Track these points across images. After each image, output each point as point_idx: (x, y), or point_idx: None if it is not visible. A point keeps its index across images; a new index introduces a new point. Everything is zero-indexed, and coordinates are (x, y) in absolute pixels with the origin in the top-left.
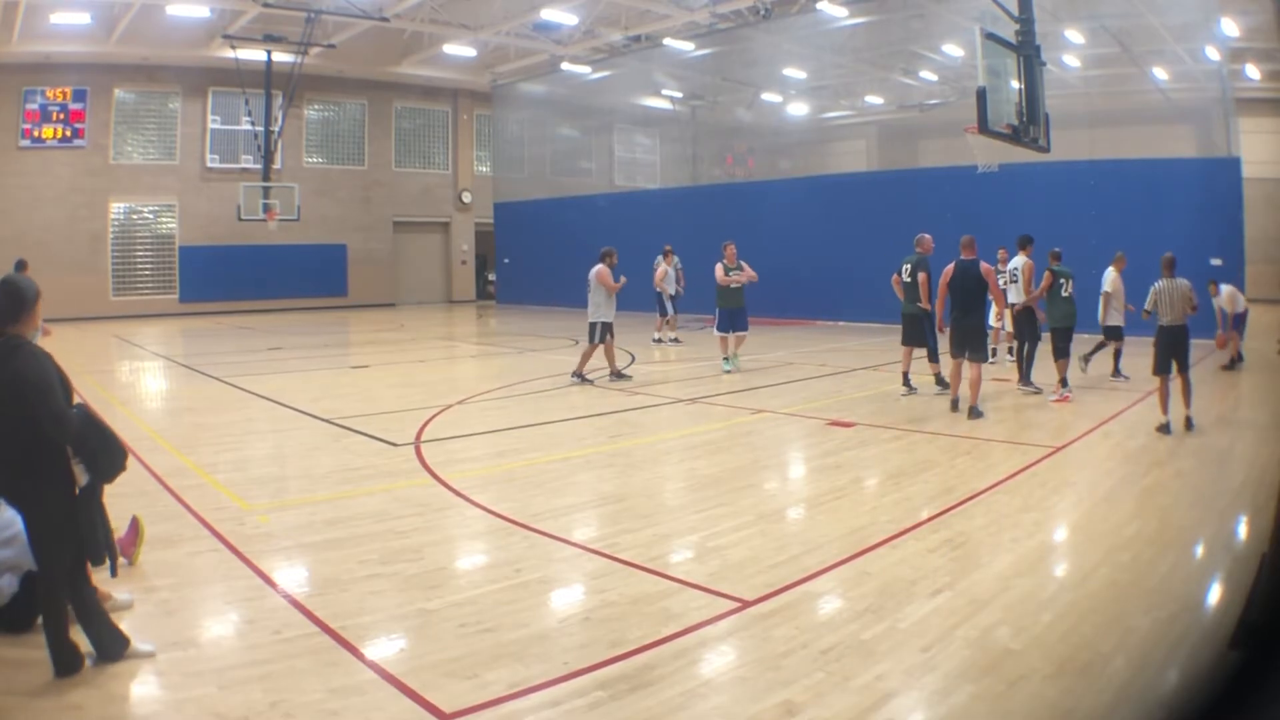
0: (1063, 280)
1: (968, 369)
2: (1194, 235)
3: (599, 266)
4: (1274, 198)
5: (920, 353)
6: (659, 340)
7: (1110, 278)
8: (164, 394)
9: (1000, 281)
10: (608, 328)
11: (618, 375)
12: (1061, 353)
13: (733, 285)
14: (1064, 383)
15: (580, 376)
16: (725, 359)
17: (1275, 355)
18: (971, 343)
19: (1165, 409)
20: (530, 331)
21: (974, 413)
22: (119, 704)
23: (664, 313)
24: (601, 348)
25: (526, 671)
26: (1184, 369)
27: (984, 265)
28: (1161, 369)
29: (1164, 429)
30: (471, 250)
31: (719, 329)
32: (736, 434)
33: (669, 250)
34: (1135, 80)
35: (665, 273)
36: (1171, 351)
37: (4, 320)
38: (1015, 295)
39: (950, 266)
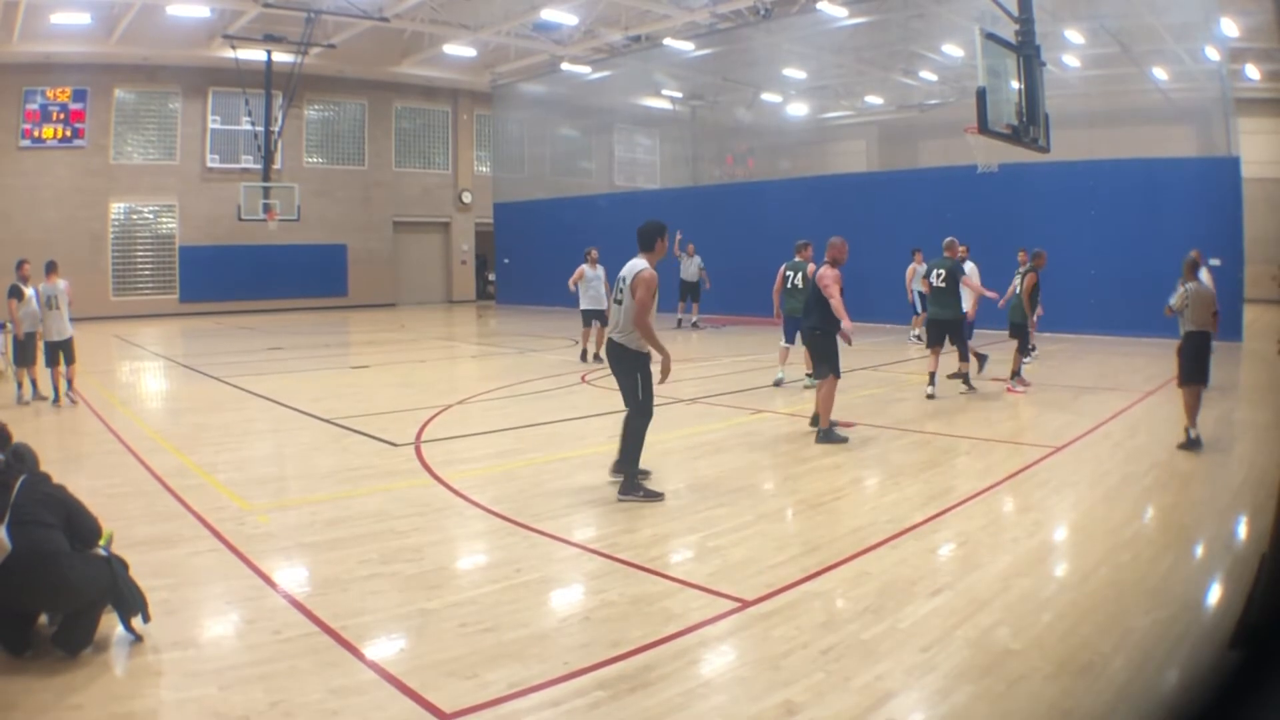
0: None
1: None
2: (1194, 235)
3: (823, 269)
4: (1274, 198)
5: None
6: (918, 338)
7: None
8: (164, 394)
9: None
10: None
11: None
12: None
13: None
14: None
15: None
16: (806, 374)
17: (1275, 355)
18: (810, 352)
19: (1194, 420)
20: (530, 332)
21: (821, 434)
22: (119, 704)
23: (917, 311)
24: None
25: (526, 671)
26: (1206, 379)
27: (809, 267)
28: (1197, 377)
29: (1195, 444)
30: (471, 250)
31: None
32: (736, 434)
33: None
34: (1135, 80)
35: (914, 271)
36: (1202, 359)
37: None
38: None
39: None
